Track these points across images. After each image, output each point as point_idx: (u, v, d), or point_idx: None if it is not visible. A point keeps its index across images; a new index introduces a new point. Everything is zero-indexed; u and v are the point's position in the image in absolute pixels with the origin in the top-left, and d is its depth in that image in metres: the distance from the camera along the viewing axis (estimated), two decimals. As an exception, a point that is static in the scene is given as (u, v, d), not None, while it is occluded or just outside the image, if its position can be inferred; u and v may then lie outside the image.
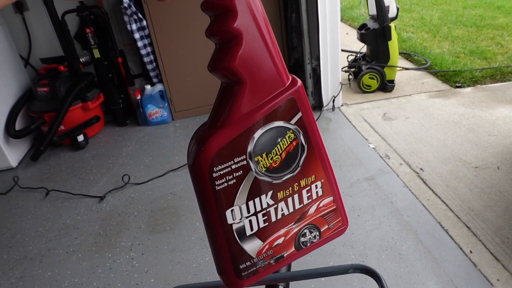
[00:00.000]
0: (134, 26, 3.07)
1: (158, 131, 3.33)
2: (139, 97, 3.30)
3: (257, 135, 0.45)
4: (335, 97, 3.22)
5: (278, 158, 0.47)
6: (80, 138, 3.10)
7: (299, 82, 0.47)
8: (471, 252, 2.01)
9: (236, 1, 0.40)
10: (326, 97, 3.21)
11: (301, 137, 0.49)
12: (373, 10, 3.47)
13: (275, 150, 0.46)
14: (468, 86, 3.75)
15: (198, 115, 3.46)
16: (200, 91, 3.36)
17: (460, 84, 3.76)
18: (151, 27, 3.07)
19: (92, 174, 2.84)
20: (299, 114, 0.47)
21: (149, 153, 3.03)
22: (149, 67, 3.30)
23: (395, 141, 2.86)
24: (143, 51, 3.20)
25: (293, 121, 0.47)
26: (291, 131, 0.47)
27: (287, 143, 0.47)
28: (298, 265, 1.97)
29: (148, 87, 3.32)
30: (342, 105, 3.34)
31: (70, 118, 3.09)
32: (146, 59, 3.24)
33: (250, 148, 0.45)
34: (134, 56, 3.36)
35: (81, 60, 3.17)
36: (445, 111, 3.27)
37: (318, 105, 3.25)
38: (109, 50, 3.22)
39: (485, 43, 4.79)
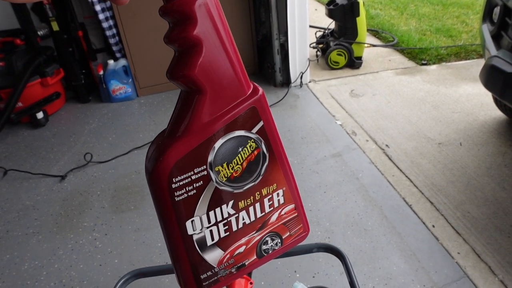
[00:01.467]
0: (94, -3, 2.92)
1: (122, 107, 3.22)
2: (101, 72, 3.17)
3: (217, 144, 0.44)
4: (303, 73, 3.19)
5: (239, 167, 0.46)
6: (40, 115, 2.96)
7: (261, 90, 0.46)
8: (433, 226, 2.05)
9: (196, 8, 0.39)
10: (294, 73, 3.17)
11: (263, 146, 0.47)
12: (341, -15, 3.43)
13: (236, 160, 0.45)
14: (434, 63, 3.79)
15: (164, 91, 3.36)
16: (165, 67, 3.23)
17: (425, 62, 3.80)
18: (111, -2, 2.92)
19: (53, 153, 2.72)
20: (261, 123, 0.46)
21: (112, 130, 2.92)
22: (112, 41, 3.16)
23: (361, 118, 2.87)
24: (105, 24, 3.05)
25: (255, 130, 0.46)
26: (252, 140, 0.46)
27: (249, 152, 0.46)
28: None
29: (111, 62, 3.19)
30: (310, 82, 3.32)
31: (28, 94, 2.93)
32: (108, 33, 3.10)
33: (210, 158, 0.44)
34: (96, 29, 3.21)
35: (39, 33, 2.99)
36: (411, 88, 3.30)
37: (286, 82, 3.21)
38: (69, 22, 3.05)
39: (451, 21, 4.85)
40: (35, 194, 2.37)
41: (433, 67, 3.73)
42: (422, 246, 1.95)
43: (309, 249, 0.97)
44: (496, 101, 2.76)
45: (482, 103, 3.09)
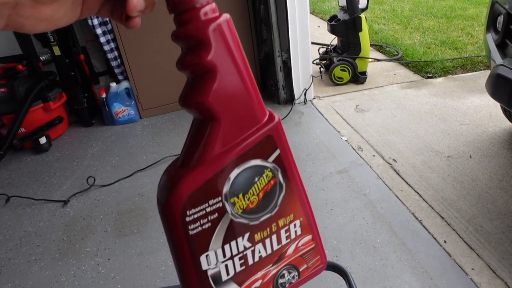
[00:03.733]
0: (95, 21, 2.94)
1: (125, 130, 3.21)
2: (104, 95, 3.18)
3: (233, 175, 0.41)
4: (306, 90, 3.16)
5: (255, 198, 0.44)
6: (43, 140, 2.96)
7: (277, 117, 0.44)
8: (445, 242, 1.98)
9: (210, 32, 0.37)
10: (297, 90, 3.15)
11: (279, 176, 0.46)
12: (343, 1, 3.42)
13: (252, 190, 0.43)
14: (439, 76, 3.75)
15: (167, 112, 3.36)
16: (168, 88, 3.25)
17: (431, 75, 3.76)
18: (113, 21, 2.95)
19: (56, 178, 2.71)
20: (277, 152, 0.45)
21: (116, 153, 2.91)
22: (114, 63, 3.18)
23: (367, 133, 2.83)
24: (106, 47, 3.07)
25: (271, 159, 0.44)
26: (268, 169, 0.44)
27: (265, 182, 0.44)
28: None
29: (113, 84, 3.20)
30: (314, 98, 3.29)
31: (31, 119, 2.94)
32: (110, 56, 3.12)
33: (225, 189, 0.42)
34: (98, 52, 3.23)
35: (41, 58, 3.02)
36: (417, 102, 3.25)
37: (290, 99, 3.19)
38: (71, 47, 3.08)
39: (456, 33, 4.82)
40: (38, 220, 2.34)
41: (439, 80, 3.69)
42: (434, 262, 1.88)
43: None
44: (505, 112, 2.70)
45: (491, 115, 3.02)
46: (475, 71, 3.83)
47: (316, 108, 3.15)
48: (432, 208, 2.18)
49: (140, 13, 0.37)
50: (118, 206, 2.39)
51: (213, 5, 0.38)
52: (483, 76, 3.65)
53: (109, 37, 3.06)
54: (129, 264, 2.00)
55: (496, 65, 2.08)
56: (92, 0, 0.37)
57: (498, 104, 2.84)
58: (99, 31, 2.98)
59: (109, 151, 2.95)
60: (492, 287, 1.76)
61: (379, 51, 4.51)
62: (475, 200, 2.22)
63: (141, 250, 2.07)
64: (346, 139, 2.76)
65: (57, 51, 2.98)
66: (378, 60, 4.10)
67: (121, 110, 3.21)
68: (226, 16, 0.39)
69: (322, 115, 3.06)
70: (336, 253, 1.94)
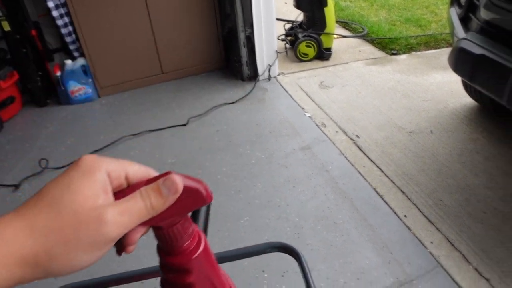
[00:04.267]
0: (47, -7, 2.76)
1: (82, 109, 3.06)
2: (59, 73, 3.01)
3: None
4: (270, 66, 3.10)
5: None
6: (-6, 121, 2.79)
7: None
8: (405, 216, 1.99)
9: (192, 261, 0.43)
10: (261, 66, 3.08)
11: None
12: (308, -24, 3.35)
13: None
14: (404, 53, 3.76)
15: (126, 90, 3.22)
16: (126, 64, 3.12)
17: (396, 51, 3.76)
18: (67, -6, 2.77)
19: (7, 161, 2.56)
20: None
21: (71, 134, 2.77)
22: (68, 39, 3.01)
23: (331, 109, 2.80)
24: (59, 22, 2.90)
25: None
26: None
27: None
28: (220, 245, 1.87)
29: (68, 62, 3.03)
30: (278, 75, 3.23)
31: (-20, 100, 2.76)
32: (63, 31, 2.94)
33: None
34: (51, 28, 3.03)
35: (-12, 34, 2.82)
36: (381, 78, 3.25)
37: (254, 75, 3.11)
38: (21, 22, 2.88)
39: (420, 11, 4.84)
40: (-14, 205, 2.21)
41: (403, 56, 3.69)
42: (394, 237, 1.88)
43: (262, 250, 0.87)
44: (466, 88, 2.72)
45: (452, 91, 3.05)
46: (438, 48, 3.86)
47: (281, 85, 3.10)
48: (394, 183, 2.18)
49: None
50: (73, 188, 2.28)
51: (195, 229, 0.44)
52: (445, 53, 3.68)
53: (62, 11, 2.88)
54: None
55: (459, 39, 2.07)
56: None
57: (459, 81, 2.86)
58: (51, 4, 2.80)
59: (64, 131, 2.81)
60: (450, 259, 1.79)
61: (344, 27, 4.47)
62: (435, 175, 2.23)
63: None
64: (310, 115, 2.73)
65: (6, 26, 2.78)
66: (344, 36, 4.07)
67: (77, 88, 3.06)
68: (203, 239, 0.45)
69: (286, 91, 3.01)
70: (297, 230, 1.91)
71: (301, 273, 0.78)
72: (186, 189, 0.39)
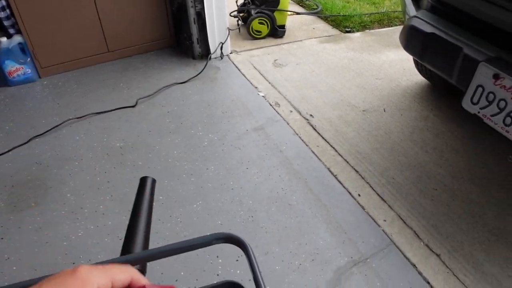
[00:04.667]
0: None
1: (21, 91, 2.84)
2: (-7, 51, 2.76)
3: None
4: (222, 43, 2.98)
5: None
6: None
7: None
8: (359, 195, 1.98)
9: None
10: (213, 44, 2.96)
11: None
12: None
13: None
14: (357, 31, 3.75)
15: (70, 70, 3.02)
16: (69, 42, 2.91)
17: (349, 29, 3.74)
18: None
19: None
20: None
21: (9, 118, 2.56)
22: (2, 14, 2.75)
23: (285, 88, 2.75)
24: (-10, -6, 2.64)
25: None
26: None
27: None
28: (173, 232, 1.79)
29: (3, 39, 2.78)
30: (231, 53, 3.13)
31: None
32: (-4, 4, 2.69)
33: None
34: (-18, 1, 2.77)
35: None
36: (335, 56, 3.22)
37: (205, 53, 3.00)
38: None
39: (373, -12, 4.83)
40: None
41: (357, 34, 3.68)
42: (348, 216, 1.88)
43: (207, 242, 0.79)
44: (418, 66, 2.74)
45: (404, 69, 3.08)
46: (391, 26, 3.88)
47: (233, 63, 3.00)
48: (347, 162, 2.17)
49: None
50: (12, 177, 2.11)
51: None
52: (398, 31, 3.66)
53: (-8, -19, 2.63)
54: (25, 242, 1.77)
55: (409, 17, 2.05)
56: None
57: (411, 59, 2.88)
58: (-21, -27, 2.54)
59: (1, 116, 2.59)
60: (402, 236, 1.80)
61: (298, 4, 4.40)
62: (387, 153, 2.24)
63: (39, 225, 1.85)
64: (263, 95, 2.66)
65: None
66: (297, 13, 4.00)
67: (15, 69, 2.82)
68: None
69: (239, 70, 2.92)
70: (251, 213, 1.86)
71: (249, 265, 0.73)
72: None
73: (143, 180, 0.86)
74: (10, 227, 1.85)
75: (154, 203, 1.94)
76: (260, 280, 0.69)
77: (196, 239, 0.79)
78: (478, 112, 1.61)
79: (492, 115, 1.56)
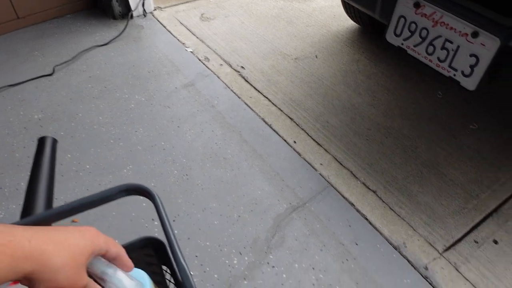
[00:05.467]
0: None
1: None
2: None
3: None
4: (144, 0, 2.79)
5: None
6: None
7: None
8: (295, 142, 1.96)
9: None
10: (133, 1, 2.76)
11: None
12: None
13: None
14: (286, -20, 3.64)
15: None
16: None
17: (278, -21, 3.62)
18: None
19: None
20: None
21: None
22: None
23: (214, 42, 2.63)
24: None
25: None
26: None
27: None
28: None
29: None
30: (154, 10, 2.93)
31: None
32: None
33: None
34: None
35: None
36: (265, 6, 3.12)
37: (126, 12, 2.79)
38: None
39: None
40: None
41: (286, -17, 3.58)
42: (285, 164, 1.85)
43: (111, 195, 0.70)
44: (347, 10, 2.70)
45: (334, 15, 3.04)
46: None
47: (158, 20, 2.83)
48: (282, 111, 2.13)
49: None
50: None
51: None
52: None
53: None
54: None
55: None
56: None
57: (340, 4, 2.84)
58: None
59: None
60: (339, 177, 1.80)
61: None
62: (321, 98, 2.22)
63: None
64: (191, 50, 2.53)
65: None
66: (223, -34, 3.82)
67: None
68: None
69: (164, 27, 2.75)
70: (186, 171, 1.79)
71: (158, 216, 0.66)
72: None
73: (41, 140, 0.77)
74: None
75: (80, 173, 1.80)
76: (169, 229, 0.63)
77: (99, 193, 0.70)
78: (402, 44, 1.59)
79: (415, 45, 1.54)
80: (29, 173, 1.80)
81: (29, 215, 0.69)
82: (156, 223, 1.59)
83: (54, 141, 0.76)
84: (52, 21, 2.87)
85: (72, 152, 1.88)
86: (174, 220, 1.62)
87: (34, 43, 2.65)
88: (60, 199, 1.66)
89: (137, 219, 1.60)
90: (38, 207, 0.72)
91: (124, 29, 2.66)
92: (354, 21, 2.82)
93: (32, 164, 0.77)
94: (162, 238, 0.68)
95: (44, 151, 0.80)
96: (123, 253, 0.53)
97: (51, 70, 2.37)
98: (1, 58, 2.55)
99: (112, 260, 0.52)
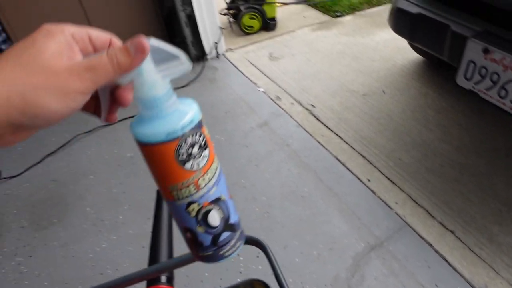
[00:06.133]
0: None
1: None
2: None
3: None
4: (217, 43, 3.00)
5: None
6: None
7: None
8: (368, 180, 2.02)
9: None
10: (207, 44, 2.98)
11: None
12: None
13: None
14: (348, 14, 3.75)
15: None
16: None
17: (339, 14, 3.74)
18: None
19: (-49, 176, 2.38)
20: None
21: (18, 138, 2.60)
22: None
23: (284, 81, 2.77)
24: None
25: None
26: None
27: None
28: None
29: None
30: (226, 51, 3.14)
31: None
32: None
33: None
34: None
35: None
36: (329, 43, 3.24)
37: (201, 55, 3.02)
38: None
39: (358, -31, 4.82)
40: None
41: (348, 18, 3.69)
42: (360, 202, 1.91)
43: None
44: (412, 44, 2.76)
45: (398, 48, 3.09)
46: (381, 5, 3.88)
47: (230, 61, 3.03)
48: (354, 148, 2.20)
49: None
50: (31, 197, 2.16)
51: None
52: (388, 10, 3.70)
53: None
54: (53, 257, 1.83)
55: (396, -1, 2.07)
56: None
57: (404, 37, 2.89)
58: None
59: (9, 137, 2.63)
60: (415, 216, 1.84)
61: (286, -6, 4.40)
62: (391, 135, 2.27)
63: (64, 241, 1.89)
64: (263, 90, 2.69)
65: None
66: (286, 3, 4.00)
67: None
68: None
69: (236, 68, 2.94)
70: (266, 209, 1.90)
71: (269, 265, 0.77)
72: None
73: (159, 192, 0.91)
74: (36, 245, 1.90)
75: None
76: (281, 277, 0.74)
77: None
78: (473, 88, 1.63)
79: (486, 89, 1.58)
80: (125, 207, 2.00)
81: (155, 263, 0.83)
82: (253, 267, 1.70)
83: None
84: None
85: (161, 190, 2.06)
86: (257, 256, 1.73)
87: (120, 87, 2.92)
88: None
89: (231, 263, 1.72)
90: (162, 256, 0.85)
91: (201, 71, 2.88)
92: (420, 55, 2.86)
93: (153, 216, 0.91)
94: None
95: (162, 202, 0.94)
96: (114, 37, 0.42)
97: (138, 112, 2.60)
98: (92, 102, 2.83)
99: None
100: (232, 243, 0.53)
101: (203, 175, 0.47)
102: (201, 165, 0.46)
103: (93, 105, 0.44)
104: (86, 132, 2.53)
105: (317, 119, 2.42)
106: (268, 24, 3.45)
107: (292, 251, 1.73)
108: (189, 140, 0.44)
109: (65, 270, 1.77)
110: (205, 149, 0.47)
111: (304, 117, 2.44)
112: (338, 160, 2.14)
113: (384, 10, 3.75)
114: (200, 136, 0.45)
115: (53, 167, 2.33)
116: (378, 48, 3.12)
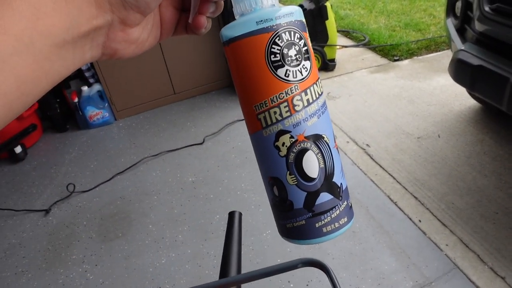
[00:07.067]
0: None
1: (101, 133, 3.19)
2: (76, 100, 3.14)
3: None
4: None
5: None
6: (18, 149, 2.92)
7: None
8: (420, 221, 2.08)
9: None
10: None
11: None
12: (307, -9, 3.47)
13: None
14: (406, 58, 3.85)
15: (141, 112, 3.35)
16: (141, 87, 3.24)
17: (398, 57, 3.85)
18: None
19: (35, 187, 2.68)
20: None
21: (93, 157, 2.90)
22: (84, 67, 3.14)
23: (340, 120, 2.90)
24: (74, 52, 3.03)
25: None
26: None
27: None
28: (246, 258, 1.97)
29: (85, 88, 3.17)
30: (286, 89, 3.34)
31: (4, 130, 2.88)
32: (79, 60, 3.07)
33: None
34: (66, 57, 3.17)
35: (7, 67, 2.95)
36: (386, 85, 3.35)
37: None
38: (38, 53, 3.01)
39: (419, 15, 4.93)
40: (21, 231, 2.33)
41: (405, 62, 3.79)
42: (410, 242, 1.97)
43: (293, 266, 0.97)
44: (470, 93, 2.81)
45: (456, 94, 3.14)
46: (439, 51, 3.95)
47: (289, 99, 3.20)
48: (406, 189, 2.27)
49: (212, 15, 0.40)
50: (100, 211, 2.40)
51: None
52: (446, 56, 3.77)
53: (75, 41, 3.01)
54: (116, 268, 2.02)
55: (456, 50, 2.17)
56: (168, 23, 0.40)
57: (462, 84, 2.95)
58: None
59: (86, 155, 2.93)
60: (465, 260, 1.87)
61: (346, 36, 4.58)
62: (445, 178, 2.32)
63: (127, 254, 2.09)
64: (320, 128, 2.82)
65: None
66: (346, 46, 4.17)
67: (95, 113, 3.19)
68: None
69: (295, 105, 3.11)
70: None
71: (331, 286, 0.88)
72: None
73: (231, 214, 1.04)
74: (102, 255, 2.11)
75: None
76: None
77: (284, 264, 0.97)
78: (533, 139, 1.68)
79: (546, 141, 1.63)
80: (185, 228, 2.21)
81: (225, 277, 0.96)
82: (291, 285, 1.81)
83: (240, 215, 1.03)
84: (201, 96, 3.41)
85: (220, 214, 2.22)
86: (307, 285, 1.82)
87: (188, 115, 3.17)
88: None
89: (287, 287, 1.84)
90: (232, 272, 0.99)
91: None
92: (477, 102, 2.90)
93: (225, 234, 1.06)
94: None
95: (234, 223, 1.08)
96: None
97: (201, 140, 2.82)
98: (162, 127, 3.09)
99: None
100: (334, 214, 0.41)
101: (300, 93, 0.37)
102: (299, 77, 0.37)
103: (183, 27, 0.42)
104: (153, 155, 2.77)
105: (371, 158, 2.52)
106: (328, 65, 3.62)
107: (341, 283, 1.82)
108: (285, 37, 0.36)
109: (127, 281, 1.95)
110: (306, 59, 0.38)
111: (358, 155, 2.54)
112: (390, 199, 2.21)
113: (442, 56, 3.83)
114: (300, 38, 0.37)
115: (121, 186, 2.57)
116: (435, 93, 3.18)
